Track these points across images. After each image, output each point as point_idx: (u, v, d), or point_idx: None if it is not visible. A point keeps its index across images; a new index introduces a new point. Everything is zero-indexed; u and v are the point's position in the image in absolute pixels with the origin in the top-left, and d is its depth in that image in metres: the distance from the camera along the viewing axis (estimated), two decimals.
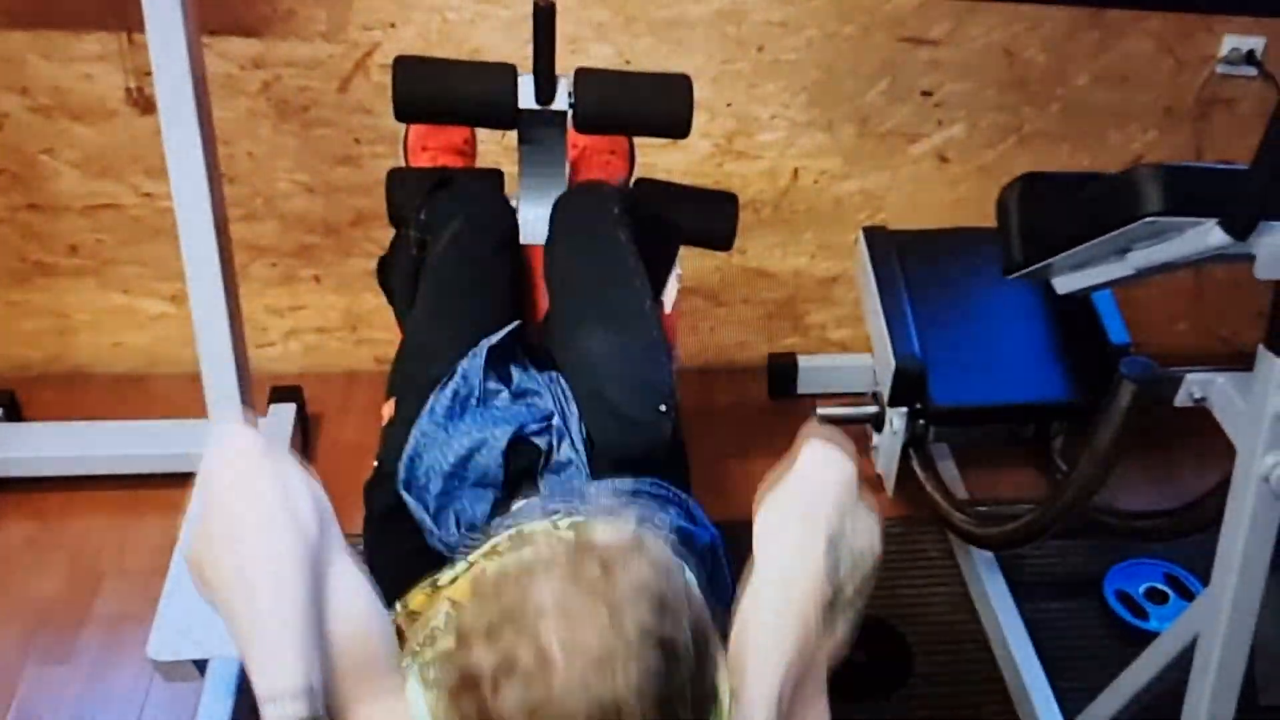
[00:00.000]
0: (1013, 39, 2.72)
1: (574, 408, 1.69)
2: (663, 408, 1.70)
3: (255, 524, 1.14)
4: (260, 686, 1.07)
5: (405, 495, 1.58)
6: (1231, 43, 2.75)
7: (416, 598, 1.39)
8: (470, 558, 1.41)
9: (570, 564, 1.06)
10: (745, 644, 1.17)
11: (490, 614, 1.05)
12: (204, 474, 1.19)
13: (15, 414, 2.82)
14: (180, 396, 2.76)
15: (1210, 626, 1.82)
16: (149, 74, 2.17)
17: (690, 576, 1.43)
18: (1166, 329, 3.16)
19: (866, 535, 1.26)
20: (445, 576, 1.39)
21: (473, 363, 1.71)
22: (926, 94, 2.78)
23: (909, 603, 2.55)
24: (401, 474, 1.59)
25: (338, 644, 1.14)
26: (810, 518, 1.22)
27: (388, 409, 1.74)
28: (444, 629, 1.29)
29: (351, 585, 1.19)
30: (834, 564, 1.20)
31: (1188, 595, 2.54)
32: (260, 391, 2.70)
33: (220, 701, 2.15)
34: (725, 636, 1.18)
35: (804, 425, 1.35)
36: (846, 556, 1.22)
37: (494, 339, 1.74)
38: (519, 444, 1.62)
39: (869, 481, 2.71)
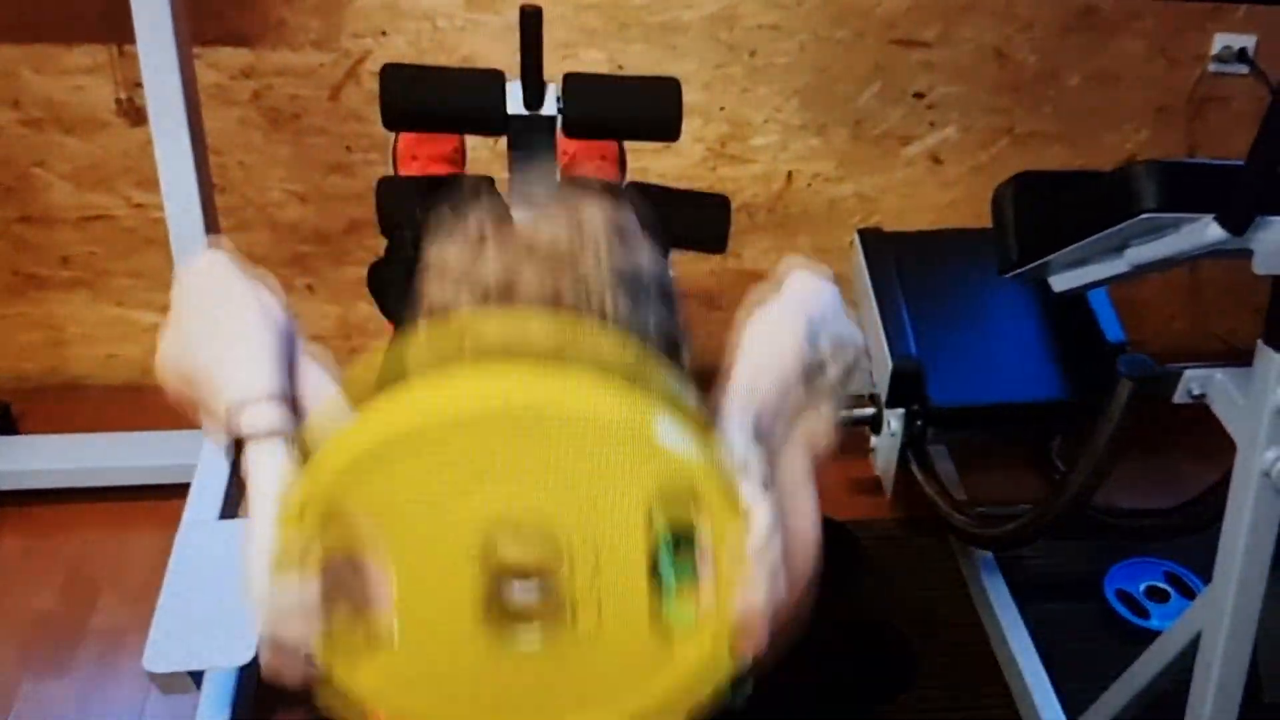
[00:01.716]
0: (1004, 40, 2.72)
1: None
2: None
3: (229, 310, 1.13)
4: (231, 397, 1.04)
5: None
6: (1223, 41, 2.75)
7: None
8: None
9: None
10: (731, 375, 1.15)
11: (449, 258, 1.08)
12: (178, 281, 1.19)
13: (10, 427, 2.81)
14: (174, 408, 2.75)
15: (1213, 623, 1.82)
16: (140, 85, 2.18)
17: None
18: (1162, 327, 3.16)
19: (850, 327, 1.26)
20: None
21: None
22: (919, 96, 2.79)
23: (909, 605, 2.54)
24: None
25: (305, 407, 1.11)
26: (793, 305, 1.22)
27: None
28: None
29: (314, 369, 1.15)
30: (814, 338, 1.19)
31: (1189, 593, 2.54)
32: None
33: (217, 713, 2.15)
34: None
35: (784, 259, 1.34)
36: (829, 338, 1.21)
37: None
38: None
39: (867, 483, 2.73)
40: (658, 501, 0.89)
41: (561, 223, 1.03)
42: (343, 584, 0.92)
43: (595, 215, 1.05)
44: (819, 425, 1.20)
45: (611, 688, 0.94)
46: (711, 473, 0.90)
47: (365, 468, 0.89)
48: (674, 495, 0.89)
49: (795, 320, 1.19)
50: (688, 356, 1.10)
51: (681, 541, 0.91)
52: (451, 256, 1.06)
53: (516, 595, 0.91)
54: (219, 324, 1.12)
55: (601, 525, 0.89)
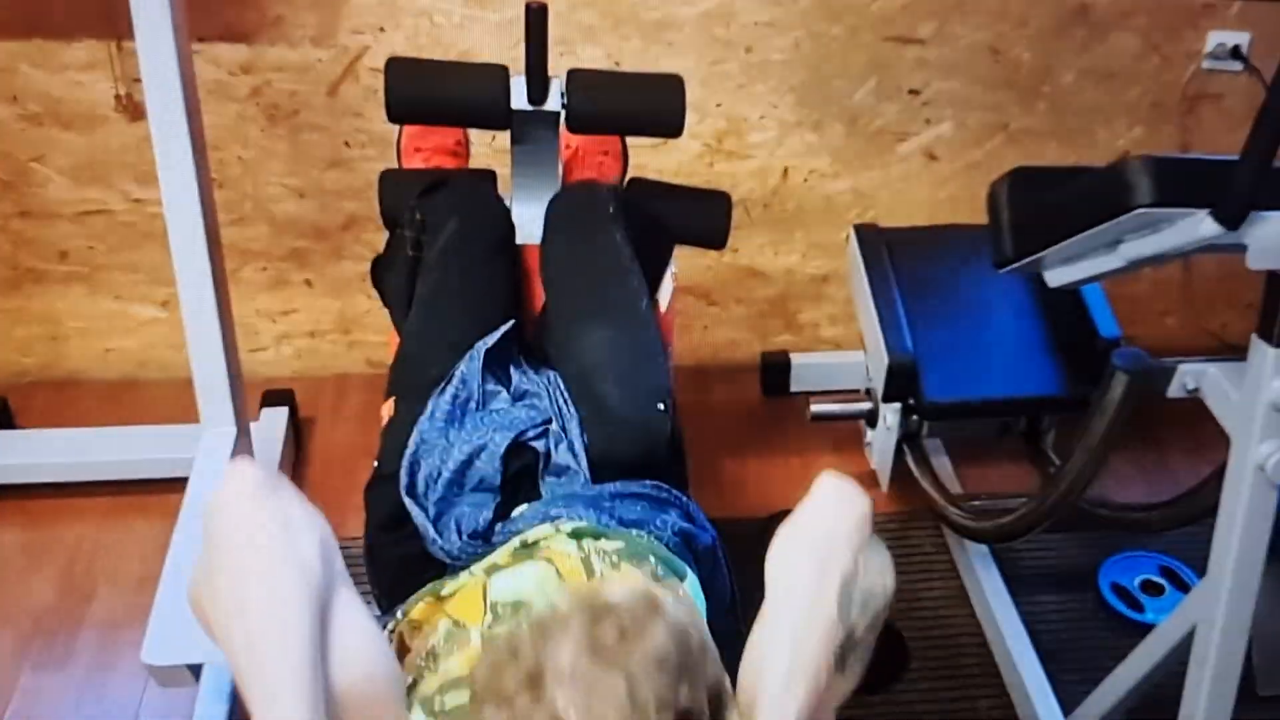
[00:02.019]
0: (999, 37, 2.74)
1: (572, 410, 1.68)
2: (661, 406, 1.70)
3: (257, 567, 1.12)
4: None
5: (407, 500, 1.57)
6: (1217, 38, 2.76)
7: (418, 607, 1.38)
8: (473, 569, 1.41)
9: (586, 627, 1.04)
10: (757, 691, 1.15)
11: (506, 677, 1.03)
12: (206, 513, 1.17)
13: (8, 421, 2.82)
14: (172, 401, 2.76)
15: (1208, 617, 1.82)
16: (138, 81, 2.18)
17: (696, 586, 1.44)
18: (1155, 322, 3.17)
19: (879, 573, 1.25)
20: (447, 587, 1.39)
21: (470, 366, 1.71)
22: (914, 93, 2.80)
23: (904, 597, 2.54)
24: (404, 479, 1.59)
25: (342, 682, 1.11)
26: (822, 558, 1.20)
27: (387, 409, 1.75)
28: (443, 647, 1.28)
29: (355, 622, 1.17)
30: (847, 605, 1.18)
31: (1183, 586, 2.55)
32: (252, 395, 2.70)
33: (216, 706, 2.16)
34: (730, 655, 1.17)
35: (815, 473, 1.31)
36: (859, 596, 1.20)
37: (490, 341, 1.75)
38: (518, 448, 1.63)
39: (863, 477, 2.74)
40: None
41: (614, 695, 1.01)
42: None
43: (650, 664, 1.03)
44: (844, 685, 1.21)
45: None
46: None
47: None
48: None
49: (826, 593, 1.17)
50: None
51: None
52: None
53: None
54: (247, 607, 1.10)
55: None
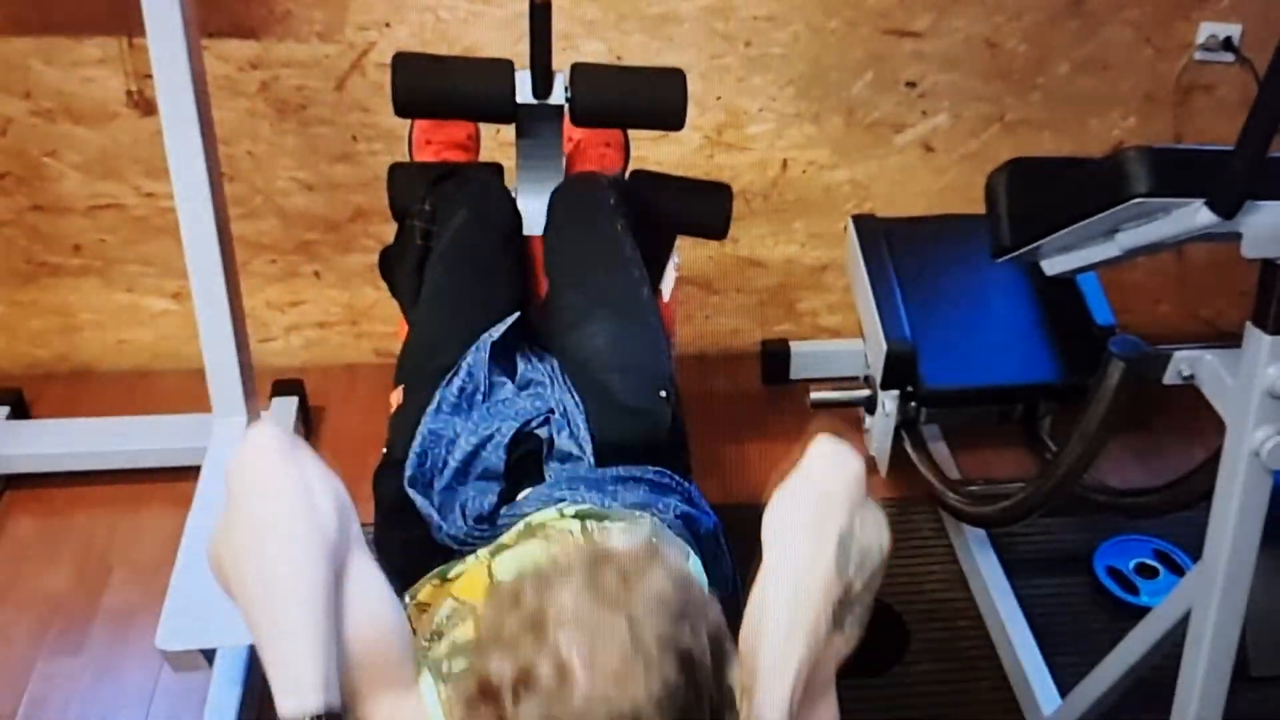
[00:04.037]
0: (994, 30, 2.76)
1: (577, 398, 1.70)
2: (663, 394, 1.72)
3: (276, 524, 1.15)
4: (277, 679, 1.08)
5: (410, 491, 1.59)
6: (1209, 30, 2.78)
7: (425, 589, 1.41)
8: (479, 553, 1.43)
9: (588, 573, 1.06)
10: (758, 644, 1.17)
11: (509, 622, 1.05)
12: (227, 473, 1.19)
13: (23, 412, 2.85)
14: (184, 392, 2.78)
15: (1203, 600, 1.82)
16: (149, 77, 2.19)
17: (699, 567, 1.45)
18: (1150, 310, 3.19)
19: (875, 530, 1.26)
20: (454, 570, 1.41)
21: (476, 358, 1.73)
22: (911, 85, 2.82)
23: (904, 581, 2.57)
24: (409, 470, 1.61)
25: (354, 640, 1.14)
26: (819, 516, 1.22)
27: (396, 396, 1.76)
28: (448, 624, 1.31)
29: (368, 582, 1.19)
30: (844, 561, 1.19)
31: (1177, 570, 2.57)
32: (263, 385, 2.73)
33: (229, 690, 2.19)
34: (733, 629, 1.18)
35: (810, 426, 1.34)
36: (856, 553, 1.21)
37: (496, 334, 1.76)
38: (523, 436, 1.65)
39: None
40: None
41: (616, 635, 1.03)
42: None
43: (652, 605, 1.05)
44: (842, 644, 1.24)
45: None
46: None
47: None
48: None
49: (824, 549, 1.19)
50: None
51: None
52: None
53: None
54: (265, 564, 1.13)
55: None
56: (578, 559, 1.09)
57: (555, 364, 1.78)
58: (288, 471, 1.18)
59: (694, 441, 1.81)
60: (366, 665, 1.15)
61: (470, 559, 1.42)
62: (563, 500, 1.50)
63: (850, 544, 1.21)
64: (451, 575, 1.41)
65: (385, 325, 2.99)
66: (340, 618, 1.14)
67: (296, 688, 1.07)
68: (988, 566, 2.54)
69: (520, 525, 1.45)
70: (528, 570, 1.11)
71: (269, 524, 1.15)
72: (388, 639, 1.19)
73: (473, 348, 1.75)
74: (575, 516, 1.45)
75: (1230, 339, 1.78)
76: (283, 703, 1.06)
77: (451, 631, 1.29)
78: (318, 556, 1.13)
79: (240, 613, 1.15)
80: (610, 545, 1.12)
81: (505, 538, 1.44)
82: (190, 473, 2.43)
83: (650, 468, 1.62)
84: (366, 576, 1.19)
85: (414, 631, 1.34)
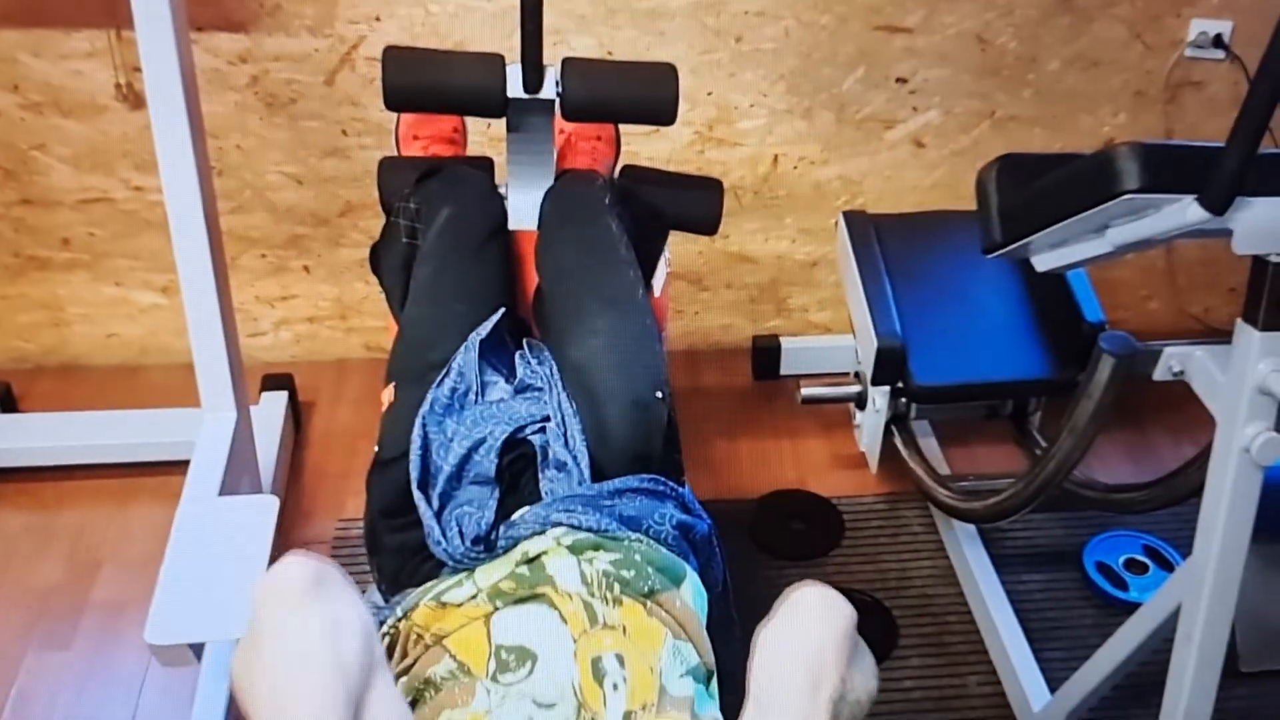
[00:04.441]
0: (985, 26, 2.76)
1: (573, 404, 1.68)
2: (659, 394, 1.71)
3: (297, 664, 1.11)
4: None
5: (417, 494, 1.58)
6: (1199, 26, 2.79)
7: (420, 610, 1.39)
8: (477, 580, 1.41)
9: None
10: None
11: None
12: (257, 600, 1.16)
13: (11, 406, 2.84)
14: (173, 386, 2.80)
15: (1193, 596, 1.83)
16: (138, 70, 2.20)
17: (697, 584, 1.47)
18: (1138, 306, 3.20)
19: (864, 682, 1.25)
20: (452, 593, 1.39)
21: (466, 358, 1.72)
22: (902, 81, 2.82)
23: (893, 576, 2.58)
24: (414, 474, 1.59)
25: None
26: (813, 679, 1.19)
27: (387, 394, 1.76)
28: (444, 685, 1.29)
29: (389, 713, 1.16)
30: None
31: (1166, 566, 2.58)
32: (252, 380, 2.72)
33: (217, 684, 2.19)
34: (730, 628, 1.18)
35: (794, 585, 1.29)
36: (848, 711, 1.21)
37: (483, 332, 1.76)
38: (516, 442, 1.64)
39: (853, 459, 2.77)
40: None
41: None
42: None
43: None
44: None
45: None
46: None
47: None
48: None
49: (819, 711, 1.17)
50: None
51: None
52: None
53: None
54: (282, 699, 1.10)
55: None
56: None
57: (554, 366, 1.77)
58: (313, 612, 1.15)
59: (685, 437, 1.81)
60: None
61: (467, 585, 1.40)
62: (558, 524, 1.49)
63: (843, 707, 1.20)
64: (449, 599, 1.38)
65: (375, 320, 3.00)
66: None
67: None
68: (978, 562, 2.54)
69: (517, 554, 1.43)
70: None
71: (290, 663, 1.12)
72: None
73: (462, 347, 1.74)
74: (570, 550, 1.43)
75: (1220, 335, 1.79)
76: None
77: (451, 709, 1.27)
78: (335, 698, 1.10)
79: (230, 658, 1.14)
80: None
81: (502, 573, 1.41)
82: (179, 467, 2.41)
83: (645, 476, 1.60)
84: (387, 703, 1.16)
85: (405, 653, 1.34)
